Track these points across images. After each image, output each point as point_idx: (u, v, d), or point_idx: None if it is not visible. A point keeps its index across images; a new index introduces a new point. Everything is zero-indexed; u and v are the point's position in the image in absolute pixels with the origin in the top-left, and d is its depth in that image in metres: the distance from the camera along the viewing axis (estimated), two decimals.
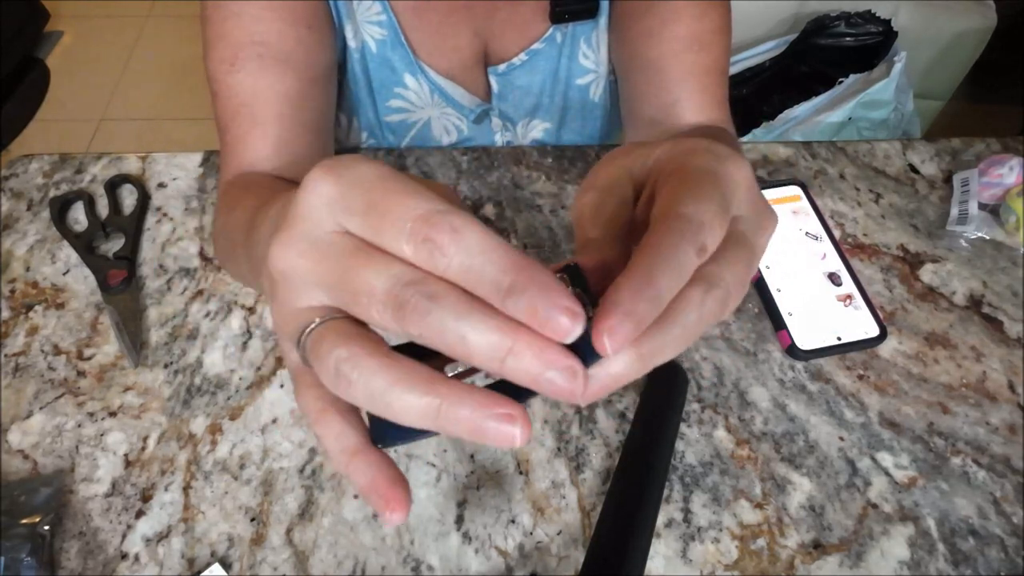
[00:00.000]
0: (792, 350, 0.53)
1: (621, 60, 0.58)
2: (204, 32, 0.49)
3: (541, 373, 0.18)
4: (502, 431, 0.19)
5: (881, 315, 0.55)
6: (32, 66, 1.97)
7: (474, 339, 0.18)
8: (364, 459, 0.22)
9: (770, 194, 0.61)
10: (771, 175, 0.65)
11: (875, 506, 0.47)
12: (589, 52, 0.60)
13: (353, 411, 0.23)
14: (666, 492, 0.47)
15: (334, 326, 0.21)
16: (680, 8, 0.51)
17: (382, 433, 0.22)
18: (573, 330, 0.18)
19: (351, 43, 0.57)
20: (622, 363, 0.20)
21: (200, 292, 0.56)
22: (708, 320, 0.21)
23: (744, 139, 1.23)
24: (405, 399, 0.19)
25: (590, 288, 0.22)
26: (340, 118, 0.65)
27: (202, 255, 0.59)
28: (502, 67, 0.60)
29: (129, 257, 0.58)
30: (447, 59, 0.59)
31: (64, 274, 0.57)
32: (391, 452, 0.48)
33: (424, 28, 0.57)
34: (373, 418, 0.22)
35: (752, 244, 0.23)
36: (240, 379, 0.52)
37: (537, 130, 0.67)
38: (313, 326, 0.21)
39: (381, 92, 0.61)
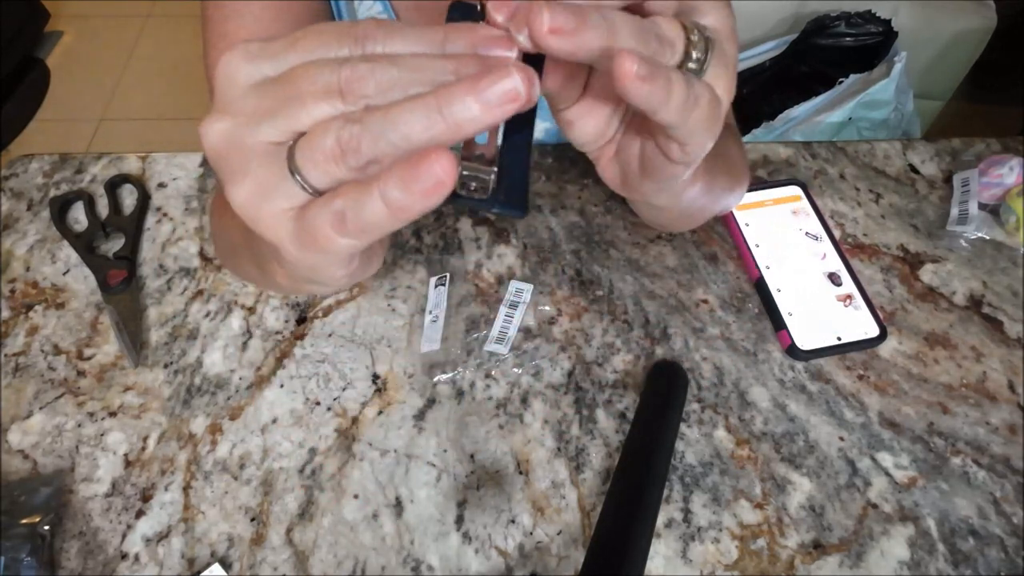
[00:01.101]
0: (792, 350, 0.53)
1: None
2: (204, 32, 0.49)
3: (481, 93, 0.19)
4: (505, 80, 0.18)
5: (881, 315, 0.55)
6: (32, 66, 1.96)
7: (425, 63, 0.19)
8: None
9: (770, 194, 0.61)
10: (771, 175, 0.65)
11: (875, 506, 0.47)
12: None
13: None
14: (666, 492, 0.47)
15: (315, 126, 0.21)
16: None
17: None
18: (511, 52, 0.20)
19: None
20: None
21: (200, 292, 0.56)
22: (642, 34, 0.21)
23: (744, 139, 1.23)
24: (404, 114, 0.19)
25: None
26: None
27: (202, 255, 0.59)
28: None
29: (129, 257, 0.58)
30: None
31: (64, 274, 0.57)
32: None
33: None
34: None
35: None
36: (240, 379, 0.52)
37: (538, 130, 0.67)
38: (293, 144, 0.21)
39: None
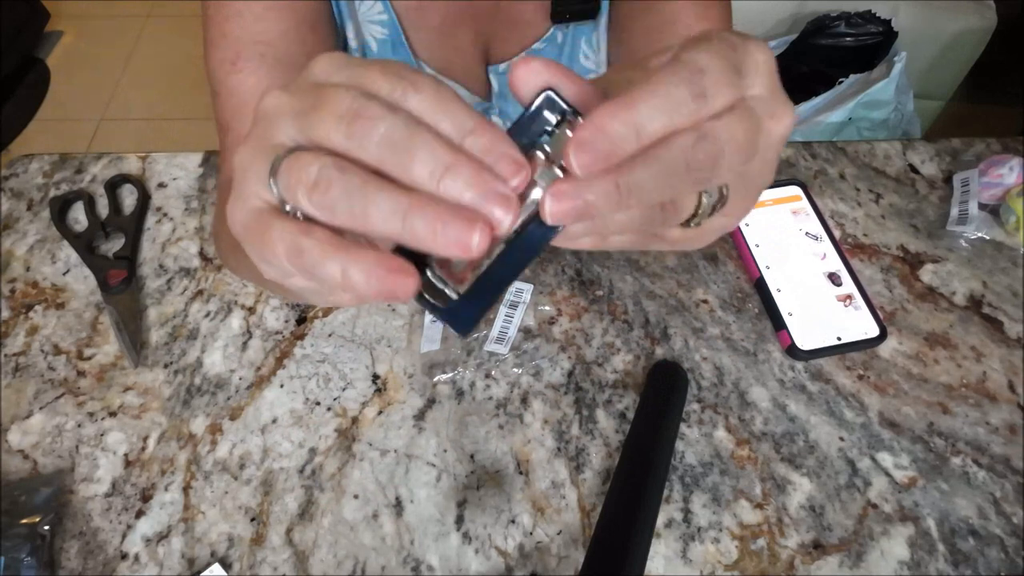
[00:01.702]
0: (792, 350, 0.53)
1: (620, 60, 0.58)
2: (205, 32, 0.49)
3: (484, 185, 0.19)
4: (462, 232, 0.19)
5: (881, 315, 0.55)
6: (32, 66, 1.96)
7: (423, 154, 0.19)
8: (356, 247, 0.21)
9: (770, 194, 0.61)
10: None
11: (875, 506, 0.47)
12: (590, 52, 0.60)
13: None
14: (666, 492, 0.47)
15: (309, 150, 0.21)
16: (680, 8, 0.51)
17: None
18: (517, 175, 0.19)
19: (352, 43, 0.57)
20: (599, 189, 0.19)
21: (200, 292, 0.56)
22: (695, 172, 0.20)
23: None
24: (379, 196, 0.19)
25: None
26: None
27: (202, 255, 0.59)
28: (502, 66, 0.60)
29: (129, 257, 0.58)
30: (448, 58, 0.59)
31: (64, 274, 0.57)
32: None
33: (426, 27, 0.57)
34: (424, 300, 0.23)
35: (760, 120, 0.21)
36: (240, 379, 0.52)
37: None
38: (284, 153, 0.22)
39: None
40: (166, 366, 0.53)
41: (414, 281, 0.20)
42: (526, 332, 0.54)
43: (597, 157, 0.19)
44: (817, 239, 0.58)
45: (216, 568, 0.44)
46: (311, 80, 0.22)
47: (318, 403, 0.51)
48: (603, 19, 0.58)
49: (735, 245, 0.59)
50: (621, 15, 0.56)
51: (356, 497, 0.47)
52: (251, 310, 0.55)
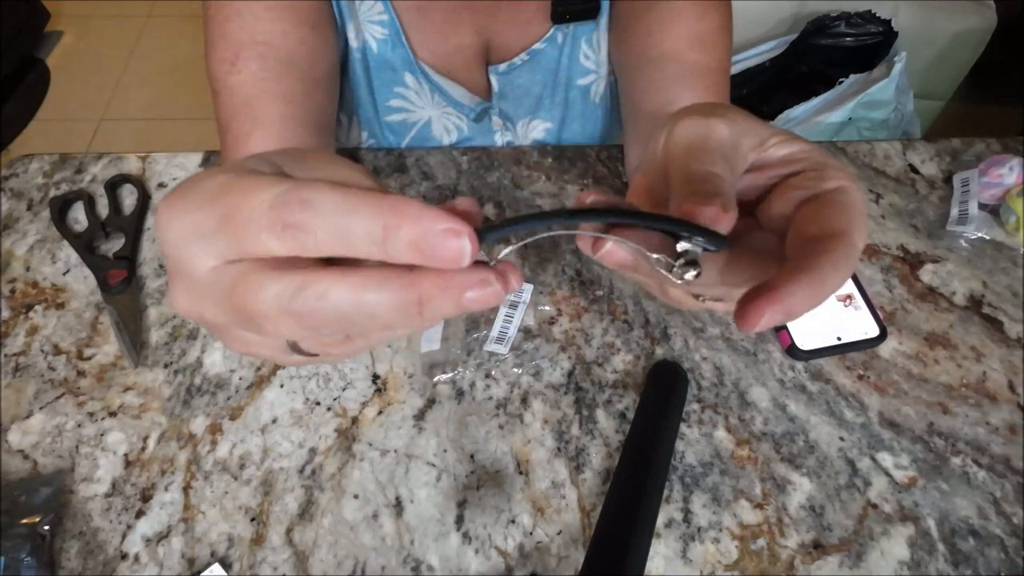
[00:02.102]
0: (792, 350, 0.53)
1: (621, 60, 0.58)
2: (206, 32, 0.49)
3: (459, 302, 0.18)
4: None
5: (881, 315, 0.55)
6: (32, 66, 1.96)
7: (383, 310, 0.18)
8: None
9: None
10: None
11: (875, 506, 0.47)
12: (590, 52, 0.60)
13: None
14: (666, 492, 0.47)
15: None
16: (681, 8, 0.51)
17: None
18: (462, 249, 0.17)
19: (352, 43, 0.57)
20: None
21: None
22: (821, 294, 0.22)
23: None
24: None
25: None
26: (340, 118, 0.65)
27: None
28: (503, 66, 0.60)
29: (129, 257, 0.58)
30: (448, 58, 0.59)
31: (64, 274, 0.57)
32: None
33: (426, 27, 0.57)
34: None
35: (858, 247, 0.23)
36: (240, 379, 0.52)
37: (538, 130, 0.67)
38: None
39: (381, 92, 0.61)
40: (166, 366, 0.53)
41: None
42: (526, 332, 0.54)
43: (771, 322, 0.21)
44: None
45: (216, 568, 0.44)
46: (194, 274, 0.20)
47: (318, 403, 0.51)
48: (604, 19, 0.58)
49: None
50: (621, 15, 0.56)
51: (356, 497, 0.47)
52: None
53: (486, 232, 0.19)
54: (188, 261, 0.19)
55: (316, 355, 0.23)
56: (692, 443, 0.50)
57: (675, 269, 0.21)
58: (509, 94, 0.63)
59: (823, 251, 0.21)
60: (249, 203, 0.18)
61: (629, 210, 0.22)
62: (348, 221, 0.17)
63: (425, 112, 0.63)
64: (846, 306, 0.55)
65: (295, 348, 0.22)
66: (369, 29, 0.56)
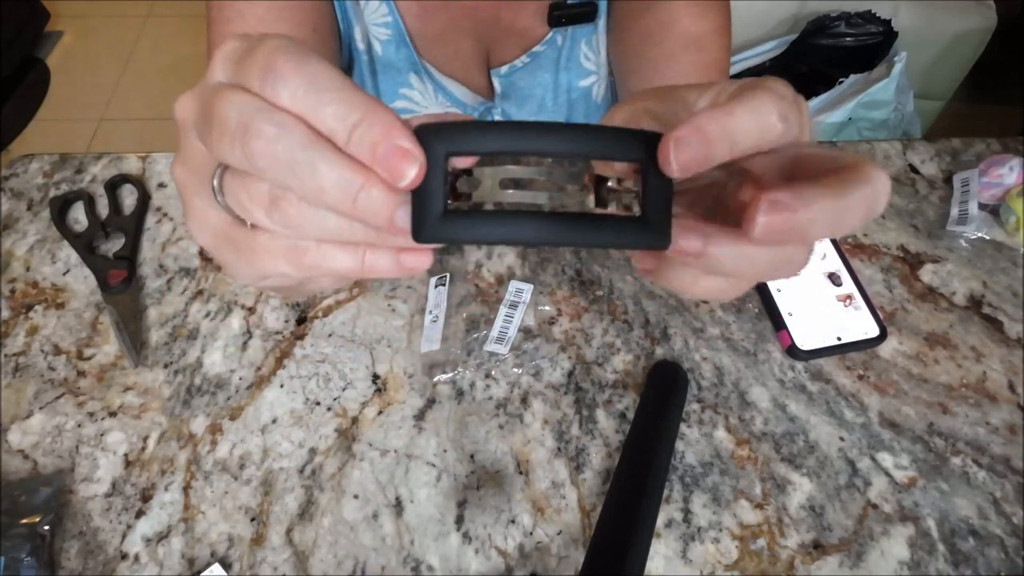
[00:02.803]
0: (792, 350, 0.53)
1: (619, 61, 0.58)
2: (208, 32, 0.49)
3: (392, 218, 0.19)
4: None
5: (881, 315, 0.55)
6: (32, 66, 1.96)
7: (326, 171, 0.18)
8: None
9: None
10: None
11: (875, 506, 0.47)
12: (590, 54, 0.60)
13: None
14: (666, 492, 0.47)
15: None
16: (679, 8, 0.51)
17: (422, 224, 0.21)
18: (406, 174, 0.18)
19: (359, 45, 0.57)
20: (813, 209, 0.19)
21: (200, 292, 0.56)
22: (826, 224, 0.20)
23: None
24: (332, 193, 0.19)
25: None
26: None
27: (202, 255, 0.59)
28: (504, 69, 0.60)
29: (129, 257, 0.58)
30: (450, 61, 0.59)
31: (64, 274, 0.57)
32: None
33: (428, 32, 0.57)
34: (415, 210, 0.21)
35: (879, 182, 0.21)
36: (240, 379, 0.52)
37: None
38: (219, 171, 0.21)
39: (387, 93, 0.61)
40: (166, 366, 0.53)
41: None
42: (526, 332, 0.54)
43: (694, 157, 0.19)
44: None
45: (216, 568, 0.44)
46: (208, 82, 0.21)
47: (318, 403, 0.51)
48: (602, 21, 0.58)
49: None
50: (619, 16, 0.56)
51: (356, 497, 0.47)
52: (251, 310, 0.55)
53: (444, 145, 0.19)
54: (210, 72, 0.21)
55: (229, 209, 0.22)
56: (692, 443, 0.50)
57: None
58: (511, 95, 0.63)
59: (844, 171, 0.20)
60: (262, 47, 0.19)
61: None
62: (333, 95, 0.18)
63: (430, 112, 0.63)
64: (846, 306, 0.55)
65: (219, 185, 0.21)
66: (374, 31, 0.56)
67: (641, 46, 0.53)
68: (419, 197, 0.20)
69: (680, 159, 0.19)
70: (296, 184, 0.19)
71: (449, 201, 0.20)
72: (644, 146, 0.20)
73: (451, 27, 0.57)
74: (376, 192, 0.19)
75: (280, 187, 0.20)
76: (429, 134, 0.19)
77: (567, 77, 0.61)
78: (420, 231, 0.20)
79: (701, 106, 0.24)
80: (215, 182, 0.21)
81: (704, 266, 0.21)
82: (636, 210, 0.21)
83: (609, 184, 0.21)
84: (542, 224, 0.20)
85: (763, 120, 0.20)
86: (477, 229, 0.20)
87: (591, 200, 0.21)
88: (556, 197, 0.21)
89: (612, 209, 0.21)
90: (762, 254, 0.21)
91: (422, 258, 0.21)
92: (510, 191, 0.21)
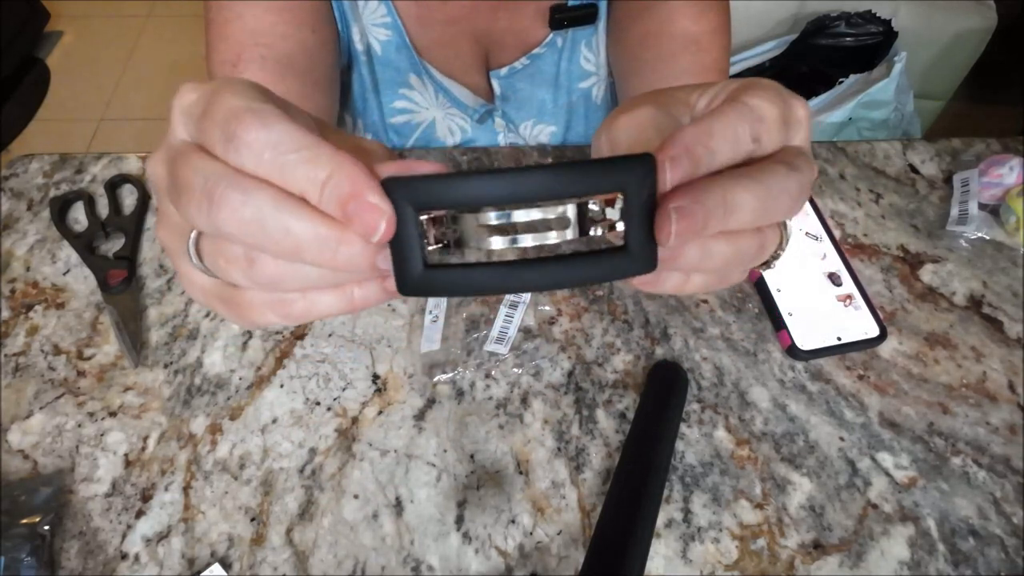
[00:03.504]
0: (792, 350, 0.53)
1: (619, 63, 0.58)
2: (207, 33, 0.49)
3: (372, 260, 0.19)
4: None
5: (881, 315, 0.55)
6: (32, 66, 1.97)
7: (300, 230, 0.18)
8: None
9: None
10: None
11: (875, 506, 0.47)
12: (590, 55, 0.60)
13: None
14: (666, 492, 0.47)
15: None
16: (677, 9, 0.51)
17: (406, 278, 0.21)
18: (377, 228, 0.18)
19: (358, 45, 0.57)
20: (712, 199, 0.20)
21: None
22: (752, 210, 0.21)
23: None
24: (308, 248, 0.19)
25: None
26: (345, 118, 0.65)
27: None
28: (503, 71, 0.60)
29: (129, 257, 0.58)
30: (450, 63, 0.59)
31: (64, 274, 0.57)
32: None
33: (427, 34, 0.57)
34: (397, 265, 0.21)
35: (803, 174, 0.22)
36: (240, 379, 0.52)
37: (544, 134, 0.67)
38: (194, 237, 0.22)
39: (387, 93, 0.61)
40: (166, 366, 0.53)
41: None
42: (526, 332, 0.54)
43: (685, 173, 0.20)
44: (817, 239, 0.58)
45: (216, 568, 0.44)
46: (172, 141, 0.21)
47: (318, 403, 0.51)
48: (602, 22, 0.58)
49: None
50: (618, 17, 0.56)
51: (356, 497, 0.47)
52: None
53: (413, 199, 0.19)
54: (172, 127, 0.21)
55: (210, 272, 0.22)
56: (692, 443, 0.50)
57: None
58: (511, 97, 0.63)
59: (703, 116, 0.21)
60: (227, 103, 0.19)
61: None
62: (299, 156, 0.18)
63: (430, 113, 0.63)
64: (846, 306, 0.55)
65: (196, 246, 0.22)
66: (373, 32, 0.56)
67: (640, 47, 0.53)
68: (396, 250, 0.20)
69: (674, 177, 0.20)
70: (270, 245, 0.19)
71: (431, 247, 0.20)
72: (625, 174, 0.20)
73: (450, 28, 0.57)
74: (355, 244, 0.19)
75: (255, 248, 0.20)
76: (400, 188, 0.19)
77: (567, 79, 0.62)
78: (404, 286, 0.20)
79: (701, 108, 0.25)
80: (191, 247, 0.21)
81: (680, 267, 0.22)
82: (620, 228, 0.21)
83: (592, 207, 0.21)
84: (527, 271, 0.20)
85: (738, 142, 0.21)
86: (460, 282, 0.20)
87: (573, 230, 0.21)
88: (540, 238, 0.21)
89: (596, 232, 0.21)
90: (718, 246, 0.22)
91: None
92: (493, 237, 0.20)
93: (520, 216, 0.20)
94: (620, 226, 0.21)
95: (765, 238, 0.23)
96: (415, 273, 0.20)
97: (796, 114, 0.23)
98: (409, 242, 0.20)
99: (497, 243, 0.21)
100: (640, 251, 0.21)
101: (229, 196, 0.18)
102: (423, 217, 0.20)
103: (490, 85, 0.62)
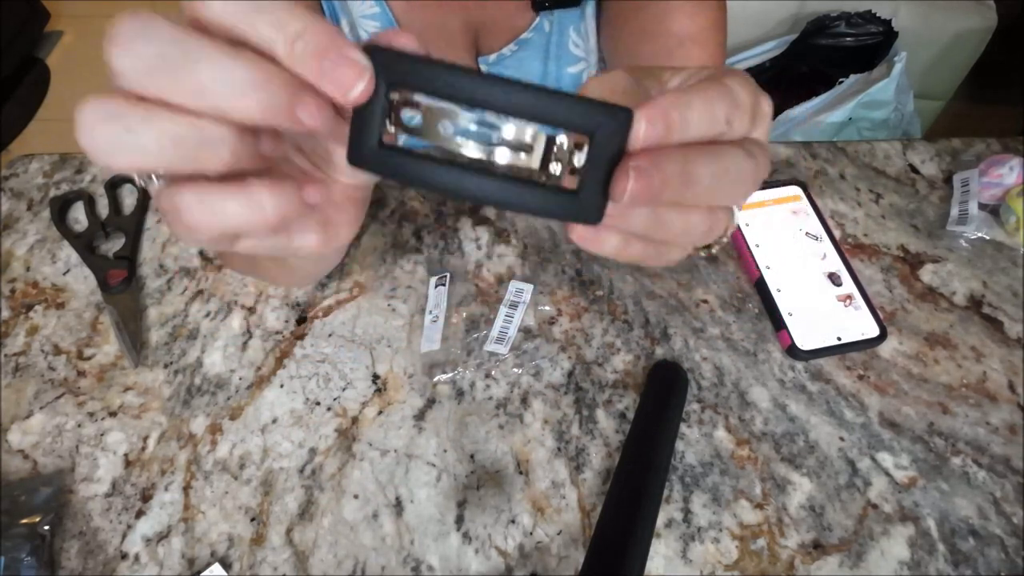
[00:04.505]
0: (792, 350, 0.53)
1: (613, 59, 0.58)
2: None
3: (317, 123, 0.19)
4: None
5: (881, 315, 0.55)
6: (32, 66, 1.96)
7: (246, 70, 0.18)
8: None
9: (770, 194, 0.61)
10: (771, 175, 0.65)
11: (875, 506, 0.47)
12: (579, 40, 0.60)
13: None
14: (666, 492, 0.47)
15: None
16: (673, 7, 0.51)
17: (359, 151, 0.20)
18: (355, 86, 0.18)
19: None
20: (671, 167, 0.20)
21: (200, 292, 0.56)
22: (708, 188, 0.21)
23: None
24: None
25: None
26: None
27: (202, 255, 0.59)
28: (492, 57, 0.61)
29: (129, 257, 0.58)
30: (440, 52, 0.59)
31: (64, 274, 0.57)
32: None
33: (415, 23, 0.57)
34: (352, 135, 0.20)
35: (760, 165, 0.23)
36: (240, 379, 0.52)
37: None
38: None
39: None
40: (166, 366, 0.53)
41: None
42: (526, 332, 0.54)
43: (657, 138, 0.20)
44: (817, 239, 0.58)
45: (216, 568, 0.44)
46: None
47: (318, 403, 0.51)
48: (589, 7, 0.59)
49: (735, 245, 0.59)
50: (612, 15, 0.56)
51: (356, 497, 0.47)
52: (251, 310, 0.55)
53: (390, 72, 0.19)
54: None
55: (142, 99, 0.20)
56: (692, 443, 0.50)
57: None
58: None
59: (685, 87, 0.22)
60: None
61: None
62: (271, 6, 0.18)
63: None
64: (846, 306, 0.55)
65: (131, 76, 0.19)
66: (363, 24, 0.57)
67: (636, 44, 0.53)
68: (359, 119, 0.19)
69: (647, 137, 0.20)
70: (210, 80, 0.18)
71: (392, 128, 0.20)
72: (601, 117, 0.19)
73: (439, 17, 0.57)
74: (310, 104, 0.18)
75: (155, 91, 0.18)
76: (379, 56, 0.19)
77: (556, 65, 0.62)
78: (355, 156, 0.20)
79: (673, 86, 0.25)
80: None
81: (624, 230, 0.22)
82: (578, 173, 0.20)
83: (559, 142, 0.20)
84: (476, 180, 0.20)
85: (714, 119, 0.21)
86: (408, 170, 0.20)
87: (535, 159, 0.20)
88: (499, 153, 0.20)
89: (555, 168, 0.21)
90: (673, 218, 0.22)
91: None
92: (455, 137, 0.20)
93: (488, 126, 0.20)
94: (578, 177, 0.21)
95: (715, 219, 0.23)
96: (369, 146, 0.20)
97: (763, 108, 0.24)
98: (372, 114, 0.19)
99: (455, 145, 0.20)
100: (590, 200, 0.20)
101: (193, 6, 0.18)
102: (394, 95, 0.19)
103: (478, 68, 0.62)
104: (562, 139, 0.20)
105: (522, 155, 0.20)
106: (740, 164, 0.22)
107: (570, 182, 0.21)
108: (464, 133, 0.20)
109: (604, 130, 0.19)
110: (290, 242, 0.24)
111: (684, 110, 0.20)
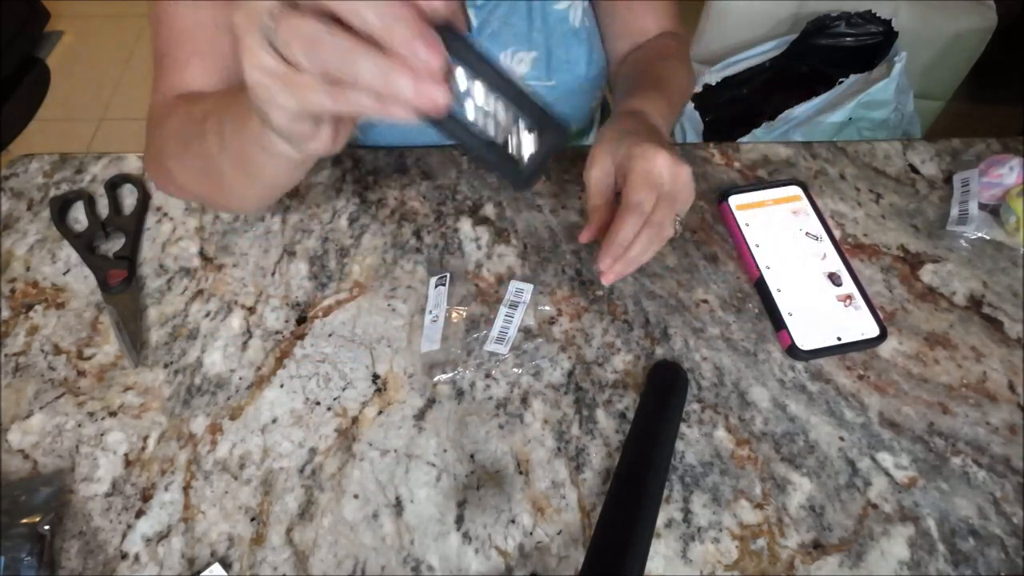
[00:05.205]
0: (792, 350, 0.53)
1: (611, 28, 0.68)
2: (155, 35, 0.52)
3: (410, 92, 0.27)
4: (433, 89, 0.27)
5: (881, 315, 0.55)
6: (32, 66, 1.96)
7: (364, 65, 0.26)
8: None
9: (770, 194, 0.61)
10: (771, 175, 0.65)
11: (875, 506, 0.47)
12: None
13: None
14: (666, 492, 0.47)
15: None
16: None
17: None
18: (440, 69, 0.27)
19: None
20: (621, 267, 0.48)
21: (200, 292, 0.56)
22: (654, 239, 0.47)
23: (744, 139, 1.23)
24: (364, 56, 0.27)
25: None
26: None
27: (202, 255, 0.59)
28: (479, 1, 0.61)
29: (129, 257, 0.58)
30: None
31: (64, 274, 0.57)
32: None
33: None
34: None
35: (673, 197, 0.47)
36: (240, 379, 0.52)
37: (525, 62, 0.66)
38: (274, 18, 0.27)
39: None
40: (166, 366, 0.53)
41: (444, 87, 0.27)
42: (526, 332, 0.54)
43: (614, 271, 0.48)
44: (817, 239, 0.58)
45: (216, 568, 0.44)
46: None
47: (318, 403, 0.51)
48: None
49: (735, 245, 0.59)
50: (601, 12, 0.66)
51: (356, 497, 0.47)
52: (251, 310, 0.55)
53: (454, 51, 0.28)
54: None
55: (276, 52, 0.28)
56: (692, 443, 0.50)
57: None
58: (488, 27, 0.63)
59: (616, 219, 0.47)
60: None
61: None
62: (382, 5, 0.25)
63: None
64: (846, 306, 0.55)
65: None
66: None
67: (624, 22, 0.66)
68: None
69: (608, 271, 0.48)
70: (343, 71, 0.27)
71: None
72: (548, 121, 0.31)
73: None
74: (405, 74, 0.26)
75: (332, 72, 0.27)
76: (448, 38, 0.27)
77: (541, 3, 0.62)
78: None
79: (621, 155, 0.48)
80: (265, 27, 0.27)
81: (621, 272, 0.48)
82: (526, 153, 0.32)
83: (520, 125, 0.32)
84: (461, 128, 0.30)
85: (635, 226, 0.46)
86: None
87: (502, 132, 0.31)
88: (487, 121, 0.31)
89: (513, 142, 0.32)
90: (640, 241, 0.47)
91: (435, 91, 0.27)
92: (466, 98, 0.30)
93: (489, 97, 0.30)
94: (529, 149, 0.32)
95: (663, 228, 0.48)
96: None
97: (656, 171, 0.46)
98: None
99: (463, 104, 0.30)
100: (527, 170, 0.32)
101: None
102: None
103: (467, 16, 0.62)
104: (522, 124, 0.31)
105: (499, 125, 0.31)
106: (667, 235, 0.48)
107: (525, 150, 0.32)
108: (474, 99, 0.30)
109: (549, 130, 0.31)
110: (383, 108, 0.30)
111: (624, 249, 0.47)
